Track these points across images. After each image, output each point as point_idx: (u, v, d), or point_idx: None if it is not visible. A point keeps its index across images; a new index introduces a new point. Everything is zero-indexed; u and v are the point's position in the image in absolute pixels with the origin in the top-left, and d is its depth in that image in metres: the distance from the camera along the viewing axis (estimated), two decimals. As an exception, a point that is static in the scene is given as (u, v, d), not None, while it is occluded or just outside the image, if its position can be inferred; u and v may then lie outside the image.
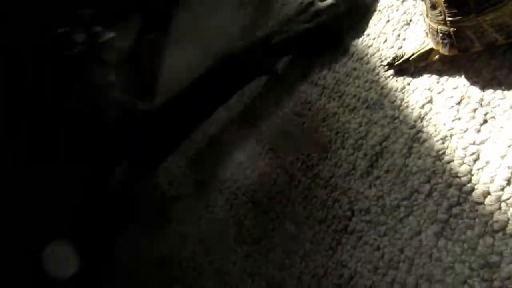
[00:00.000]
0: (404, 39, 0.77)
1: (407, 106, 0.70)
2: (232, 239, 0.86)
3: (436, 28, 0.65)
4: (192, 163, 1.13)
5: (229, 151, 1.03)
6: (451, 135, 0.62)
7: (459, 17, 0.60)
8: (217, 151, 1.06)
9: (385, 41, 0.80)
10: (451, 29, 0.62)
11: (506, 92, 0.59)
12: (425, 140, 0.65)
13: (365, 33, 0.86)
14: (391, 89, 0.74)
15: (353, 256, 0.65)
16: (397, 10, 0.82)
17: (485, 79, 0.62)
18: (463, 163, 0.59)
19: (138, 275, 1.09)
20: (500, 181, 0.54)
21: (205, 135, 1.14)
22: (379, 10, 0.86)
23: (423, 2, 0.68)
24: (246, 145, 0.99)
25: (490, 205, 0.54)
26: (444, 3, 0.61)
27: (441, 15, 0.63)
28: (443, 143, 0.62)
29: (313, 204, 0.75)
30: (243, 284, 0.78)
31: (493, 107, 0.59)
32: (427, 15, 0.67)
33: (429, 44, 0.68)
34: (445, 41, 0.64)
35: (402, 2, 0.81)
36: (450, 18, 0.62)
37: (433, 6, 0.64)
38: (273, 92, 1.01)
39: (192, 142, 1.17)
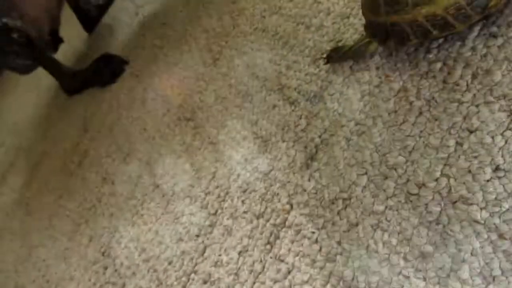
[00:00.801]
0: (343, 32, 0.77)
1: (346, 99, 0.70)
2: (168, 236, 0.82)
3: (374, 20, 0.65)
4: (126, 158, 1.07)
5: (168, 144, 0.98)
6: (388, 127, 0.62)
7: (395, 9, 0.61)
8: (152, 145, 1.02)
9: (325, 34, 0.80)
10: (388, 21, 0.62)
11: (441, 85, 0.60)
12: (363, 133, 0.64)
13: (305, 25, 0.85)
14: (331, 82, 0.74)
15: (291, 250, 0.64)
16: (338, 3, 0.82)
17: (421, 72, 0.63)
18: (399, 155, 0.59)
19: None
20: (434, 172, 0.55)
21: (140, 131, 1.09)
22: (320, 2, 0.85)
23: (362, -5, 0.68)
24: (186, 138, 0.95)
25: (425, 196, 0.54)
26: (382, -5, 0.61)
27: (379, 8, 0.63)
28: (380, 135, 0.62)
29: (252, 198, 0.73)
30: (179, 283, 0.75)
31: (429, 100, 0.60)
32: (366, 8, 0.67)
33: (367, 37, 0.68)
34: (382, 35, 0.64)
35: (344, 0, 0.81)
36: (387, 10, 0.62)
37: (372, -1, 0.64)
38: (213, 84, 0.98)
39: (128, 142, 1.11)
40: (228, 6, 1.08)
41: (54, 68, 1.53)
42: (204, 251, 0.74)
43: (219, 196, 0.78)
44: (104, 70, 1.40)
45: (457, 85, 0.58)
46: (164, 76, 1.17)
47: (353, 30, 0.75)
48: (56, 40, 1.53)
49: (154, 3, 1.46)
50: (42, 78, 1.69)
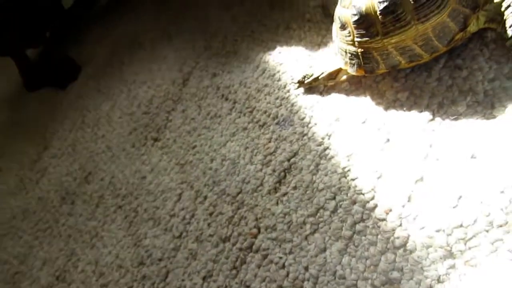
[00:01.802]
0: (314, 58, 0.79)
1: (315, 124, 0.70)
2: (129, 260, 0.79)
3: (345, 48, 0.66)
4: (88, 177, 1.03)
5: (133, 163, 0.96)
6: (356, 153, 0.63)
7: (366, 39, 0.62)
8: (117, 165, 0.98)
9: (297, 59, 0.81)
10: (359, 50, 0.64)
11: (406, 114, 0.61)
12: (331, 157, 0.65)
13: (277, 50, 0.86)
14: (300, 106, 0.74)
15: (257, 275, 0.62)
16: (309, 31, 0.83)
17: (388, 100, 0.64)
18: (367, 181, 0.59)
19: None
20: (401, 198, 0.55)
21: (105, 150, 1.06)
22: (292, 29, 0.87)
23: (334, 23, 0.69)
24: (152, 159, 0.93)
25: (392, 221, 0.54)
26: (353, 24, 0.63)
27: (350, 36, 0.64)
28: (348, 160, 0.63)
29: (218, 221, 0.71)
30: (138, 309, 0.71)
31: (395, 128, 0.61)
32: (337, 36, 0.68)
33: (338, 64, 0.69)
34: (353, 62, 0.65)
35: (314, 22, 0.83)
36: (358, 39, 0.63)
37: (343, 27, 0.65)
38: (182, 104, 0.97)
39: (91, 161, 1.08)
40: (201, 27, 1.08)
41: (22, 61, 1.52)
42: (166, 276, 0.72)
43: (184, 218, 0.76)
44: (60, 72, 1.44)
45: (423, 114, 0.60)
46: (132, 94, 1.14)
47: (323, 56, 0.76)
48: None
49: (125, 22, 1.45)
50: None
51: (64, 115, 1.32)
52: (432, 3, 0.57)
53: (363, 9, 0.61)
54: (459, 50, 0.61)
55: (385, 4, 0.59)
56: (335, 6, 0.68)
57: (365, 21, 0.61)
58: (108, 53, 1.40)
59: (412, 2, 0.57)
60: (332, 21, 0.70)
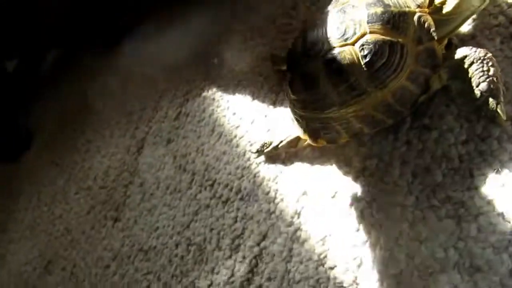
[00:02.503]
0: (271, 119, 0.72)
1: (282, 199, 0.63)
2: None
3: (304, 116, 0.60)
4: (48, 267, 0.94)
5: (94, 249, 0.87)
6: (330, 235, 0.56)
7: (324, 109, 0.56)
8: (77, 251, 0.90)
9: (253, 121, 0.75)
10: (317, 120, 0.57)
11: (378, 184, 0.55)
12: (304, 241, 0.58)
13: (231, 111, 0.79)
14: (263, 177, 0.68)
15: None
16: (262, 87, 0.77)
17: (356, 169, 0.58)
18: (347, 270, 0.53)
19: None
20: (387, 292, 0.49)
21: (63, 233, 0.97)
22: (244, 85, 0.80)
23: (286, 87, 0.63)
24: (114, 243, 0.85)
25: (380, 321, 0.48)
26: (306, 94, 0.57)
27: (308, 106, 0.58)
28: (323, 244, 0.56)
29: (191, 323, 0.64)
30: None
31: (370, 201, 0.55)
32: (295, 105, 0.62)
33: (296, 132, 0.63)
34: (312, 132, 0.59)
35: (265, 77, 0.77)
36: (314, 109, 0.57)
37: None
38: (139, 176, 0.89)
39: (50, 247, 0.99)
40: (149, 88, 1.01)
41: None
42: None
43: (154, 319, 0.69)
44: (10, 142, 1.32)
45: (397, 185, 0.54)
46: (86, 165, 1.06)
47: (281, 118, 0.70)
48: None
49: (73, 82, 1.36)
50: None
51: (19, 191, 1.23)
52: (387, 68, 0.51)
53: (314, 78, 0.55)
54: (424, 107, 0.56)
55: (336, 73, 0.53)
56: (285, 56, 0.61)
57: (317, 92, 0.55)
58: (59, 118, 1.31)
59: (365, 69, 0.51)
60: (283, 75, 0.64)
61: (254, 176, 0.69)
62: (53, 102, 1.36)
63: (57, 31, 1.37)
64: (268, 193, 0.66)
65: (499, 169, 0.48)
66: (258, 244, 0.63)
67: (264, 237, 0.63)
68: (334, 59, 0.53)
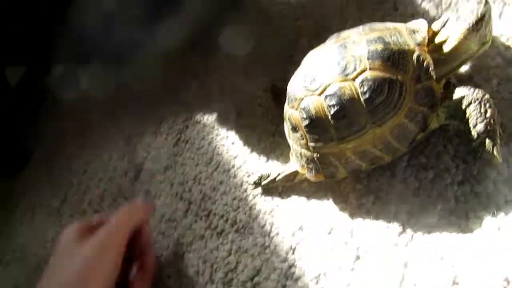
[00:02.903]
0: (270, 151, 0.72)
1: (277, 234, 0.63)
2: None
3: (299, 151, 0.60)
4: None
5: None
6: (324, 273, 0.55)
7: (321, 144, 0.56)
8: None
9: (251, 152, 0.74)
10: (315, 154, 0.57)
11: (374, 223, 0.55)
12: (298, 278, 0.57)
13: (230, 140, 0.79)
14: (260, 210, 0.67)
15: None
16: (262, 118, 0.77)
17: (352, 205, 0.58)
18: (342, 311, 0.52)
19: None
20: (380, 335, 0.48)
21: None
22: (243, 116, 0.81)
23: (285, 123, 0.63)
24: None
25: None
26: (304, 128, 0.57)
27: (303, 139, 0.58)
28: (317, 282, 0.55)
29: None
30: None
31: (364, 241, 0.54)
32: (289, 137, 0.62)
33: (295, 166, 0.62)
34: (310, 166, 0.59)
35: (266, 108, 0.77)
36: (312, 144, 0.57)
37: (294, 129, 0.59)
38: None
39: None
40: (150, 113, 1.01)
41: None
42: None
43: None
44: (9, 159, 1.32)
45: (393, 223, 0.53)
46: (82, 188, 1.05)
47: (279, 149, 0.70)
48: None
49: (77, 97, 1.37)
50: None
51: (13, 208, 1.22)
52: (386, 105, 0.51)
53: (313, 112, 0.55)
54: (422, 146, 0.55)
55: (336, 108, 0.53)
56: (285, 88, 0.62)
57: (317, 126, 0.55)
58: (59, 137, 1.31)
59: (364, 105, 0.51)
60: (283, 106, 0.64)
61: (250, 208, 0.68)
62: (54, 118, 1.37)
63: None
64: (263, 226, 0.65)
65: (495, 212, 0.47)
66: (252, 279, 0.62)
67: (258, 272, 0.62)
68: (334, 94, 0.53)
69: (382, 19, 0.68)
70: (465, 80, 0.56)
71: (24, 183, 1.26)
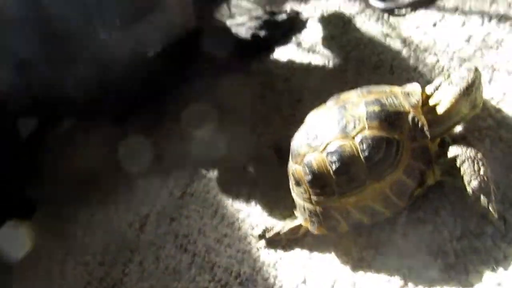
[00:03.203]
0: (273, 205, 0.74)
1: (281, 286, 0.64)
2: None
3: (303, 205, 0.62)
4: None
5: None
6: (330, 327, 0.56)
7: (323, 198, 0.59)
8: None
9: (255, 205, 0.77)
10: (317, 208, 0.60)
11: (376, 276, 0.56)
12: (302, 332, 0.58)
13: (234, 194, 0.82)
14: (263, 262, 0.68)
15: None
16: (265, 176, 0.80)
17: (354, 259, 0.59)
18: None
19: None
20: None
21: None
22: (247, 170, 0.84)
23: (289, 177, 0.66)
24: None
25: None
26: (307, 183, 0.60)
27: (306, 193, 0.61)
28: (322, 337, 0.56)
29: None
30: None
31: (366, 295, 0.55)
32: (293, 191, 0.65)
33: (298, 220, 0.65)
34: (313, 219, 0.61)
35: (270, 165, 0.80)
36: (314, 198, 0.60)
37: (297, 183, 0.62)
38: (139, 253, 0.89)
39: None
40: (153, 166, 1.04)
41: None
42: None
43: None
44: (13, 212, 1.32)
45: (394, 278, 0.54)
46: (87, 240, 1.06)
47: (286, 213, 0.72)
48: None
49: (83, 152, 1.40)
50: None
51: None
52: (384, 161, 0.54)
53: (315, 167, 0.58)
54: (419, 201, 0.58)
55: (337, 164, 0.56)
56: (288, 145, 0.65)
57: (319, 181, 0.58)
58: (65, 188, 1.32)
59: (364, 162, 0.55)
60: (286, 162, 0.67)
61: (254, 260, 0.70)
62: (61, 172, 1.39)
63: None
64: (267, 279, 0.66)
65: (494, 267, 0.49)
66: (255, 333, 0.62)
67: (261, 327, 0.62)
68: (335, 151, 0.56)
69: (379, 82, 0.73)
70: (459, 140, 0.59)
71: (29, 233, 1.27)
